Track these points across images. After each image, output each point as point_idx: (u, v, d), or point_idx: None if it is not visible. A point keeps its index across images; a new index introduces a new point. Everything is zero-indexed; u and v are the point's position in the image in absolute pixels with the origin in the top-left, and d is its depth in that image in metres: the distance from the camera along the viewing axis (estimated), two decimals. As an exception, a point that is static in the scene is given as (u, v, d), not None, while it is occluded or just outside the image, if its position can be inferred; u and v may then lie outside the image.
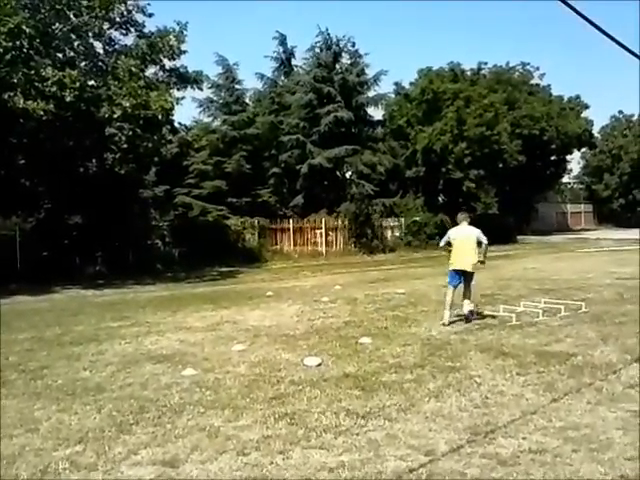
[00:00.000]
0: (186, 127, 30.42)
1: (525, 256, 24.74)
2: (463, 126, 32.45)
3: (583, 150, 51.99)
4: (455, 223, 10.74)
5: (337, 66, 32.44)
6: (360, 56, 32.77)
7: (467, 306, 9.68)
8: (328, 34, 31.96)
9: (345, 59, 32.96)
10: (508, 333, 8.59)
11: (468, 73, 39.59)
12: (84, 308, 12.96)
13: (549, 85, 45.06)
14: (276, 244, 27.86)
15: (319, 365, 7.07)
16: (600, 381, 6.08)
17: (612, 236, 37.23)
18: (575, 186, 61.81)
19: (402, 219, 30.97)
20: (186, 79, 21.16)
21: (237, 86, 32.28)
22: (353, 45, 32.63)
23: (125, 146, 19.59)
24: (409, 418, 5.17)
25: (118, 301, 14.11)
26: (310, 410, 5.44)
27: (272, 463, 4.34)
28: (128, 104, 17.56)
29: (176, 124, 26.99)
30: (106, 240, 21.43)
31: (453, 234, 10.06)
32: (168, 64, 20.31)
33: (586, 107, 46.84)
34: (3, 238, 20.08)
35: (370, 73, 32.88)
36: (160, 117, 19.12)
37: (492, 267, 19.49)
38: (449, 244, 9.95)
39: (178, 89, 21.16)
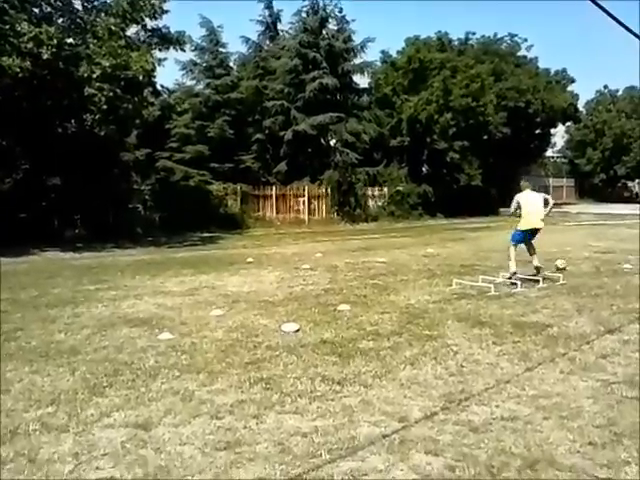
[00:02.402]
0: (168, 90, 29.76)
1: (505, 228, 24.82)
2: (449, 96, 32.23)
3: (568, 124, 52.08)
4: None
5: (324, 32, 31.83)
6: (347, 22, 32.20)
7: (536, 259, 10.80)
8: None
9: (332, 25, 32.34)
10: (486, 303, 8.63)
11: (456, 43, 39.25)
12: (62, 271, 12.81)
13: (536, 58, 44.84)
14: (258, 211, 27.70)
15: (297, 331, 7.06)
16: (574, 351, 6.14)
17: (592, 210, 37.61)
18: (558, 160, 62.06)
19: (385, 189, 30.92)
20: (168, 40, 20.64)
21: (221, 49, 31.59)
22: (340, 11, 32.03)
23: (105, 107, 19.09)
24: (384, 385, 5.19)
25: (97, 264, 13.97)
26: (286, 376, 5.43)
27: (245, 427, 4.33)
28: (108, 64, 17.14)
29: (158, 87, 26.43)
30: (86, 203, 21.12)
31: (522, 199, 10.81)
32: (150, 24, 19.82)
33: (572, 81, 46.79)
34: (-21, 199, 19.73)
35: (357, 40, 32.41)
36: (141, 78, 18.74)
37: (473, 239, 19.68)
38: (518, 208, 10.80)
39: (160, 50, 20.64)
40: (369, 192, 30.47)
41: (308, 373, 5.50)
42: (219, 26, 31.24)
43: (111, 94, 18.73)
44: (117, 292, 9.96)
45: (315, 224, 26.64)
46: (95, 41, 17.57)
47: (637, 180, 58.77)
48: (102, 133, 20.94)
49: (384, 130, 32.93)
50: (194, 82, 31.52)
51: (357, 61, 32.71)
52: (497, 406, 4.67)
